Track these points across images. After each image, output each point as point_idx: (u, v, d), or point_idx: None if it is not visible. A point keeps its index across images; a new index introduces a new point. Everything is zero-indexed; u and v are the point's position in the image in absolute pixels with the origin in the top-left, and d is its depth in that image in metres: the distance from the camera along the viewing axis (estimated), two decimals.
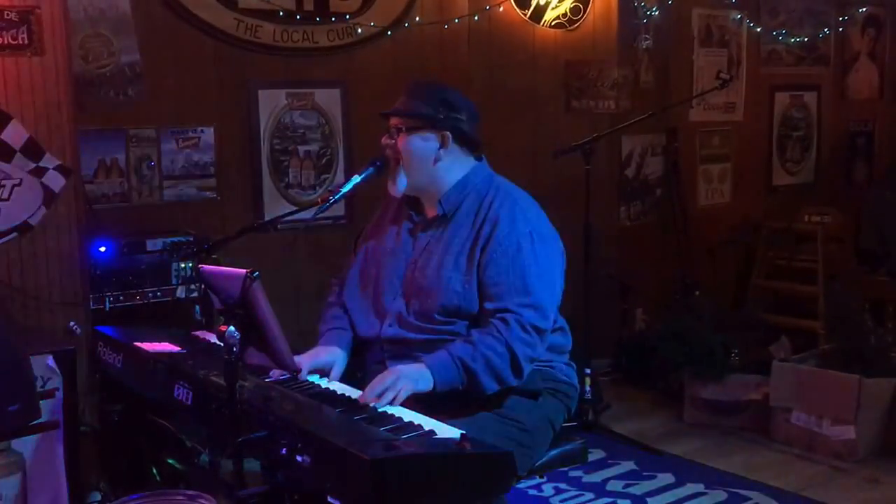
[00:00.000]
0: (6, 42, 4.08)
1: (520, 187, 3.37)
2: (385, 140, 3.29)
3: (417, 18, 5.79)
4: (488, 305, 3.10)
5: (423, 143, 3.24)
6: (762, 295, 7.08)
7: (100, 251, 4.53)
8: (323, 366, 3.19)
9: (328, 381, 3.12)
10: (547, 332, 3.13)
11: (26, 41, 4.12)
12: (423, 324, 3.17)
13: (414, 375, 2.93)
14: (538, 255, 3.13)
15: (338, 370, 3.22)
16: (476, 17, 6.01)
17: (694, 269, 6.97)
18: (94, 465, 4.07)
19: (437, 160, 3.25)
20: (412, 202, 3.41)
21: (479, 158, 3.36)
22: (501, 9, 6.13)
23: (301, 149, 5.56)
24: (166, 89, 5.10)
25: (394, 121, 3.29)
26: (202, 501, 2.82)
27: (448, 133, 3.24)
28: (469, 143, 3.32)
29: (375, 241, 3.45)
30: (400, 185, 3.28)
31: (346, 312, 3.44)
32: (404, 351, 3.18)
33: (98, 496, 4.03)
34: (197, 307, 4.60)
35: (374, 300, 3.33)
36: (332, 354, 3.26)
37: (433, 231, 3.30)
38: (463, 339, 3.05)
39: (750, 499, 4.67)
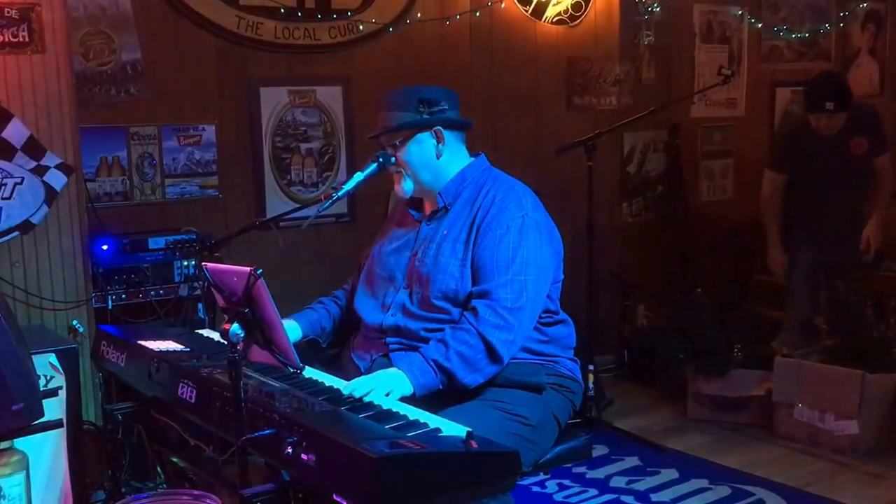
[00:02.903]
0: (7, 40, 4.08)
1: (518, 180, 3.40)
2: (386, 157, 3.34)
3: (419, 15, 5.79)
4: (472, 288, 3.14)
5: (419, 147, 3.30)
6: (764, 290, 7.08)
7: (102, 249, 4.54)
8: None
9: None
10: (524, 309, 3.09)
11: (27, 39, 4.12)
12: (425, 312, 3.20)
13: (394, 381, 2.94)
14: (525, 237, 3.14)
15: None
16: (477, 14, 6.01)
17: (696, 265, 6.97)
18: (98, 464, 4.06)
19: (439, 155, 3.30)
20: (415, 202, 3.45)
21: (476, 155, 3.40)
22: (503, 5, 6.13)
23: (303, 146, 5.56)
24: (168, 87, 5.10)
25: (384, 138, 3.33)
26: (207, 501, 2.81)
27: (439, 127, 3.28)
28: (461, 127, 3.38)
29: (381, 244, 3.49)
30: (406, 188, 3.33)
31: (336, 303, 3.60)
32: (405, 341, 3.22)
33: (102, 495, 4.03)
34: (200, 305, 4.60)
35: (380, 297, 3.35)
36: (286, 327, 3.29)
37: (434, 223, 3.34)
38: (436, 339, 3.06)
39: (753, 494, 4.67)
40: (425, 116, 3.27)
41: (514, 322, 3.06)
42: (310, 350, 3.48)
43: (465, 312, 3.10)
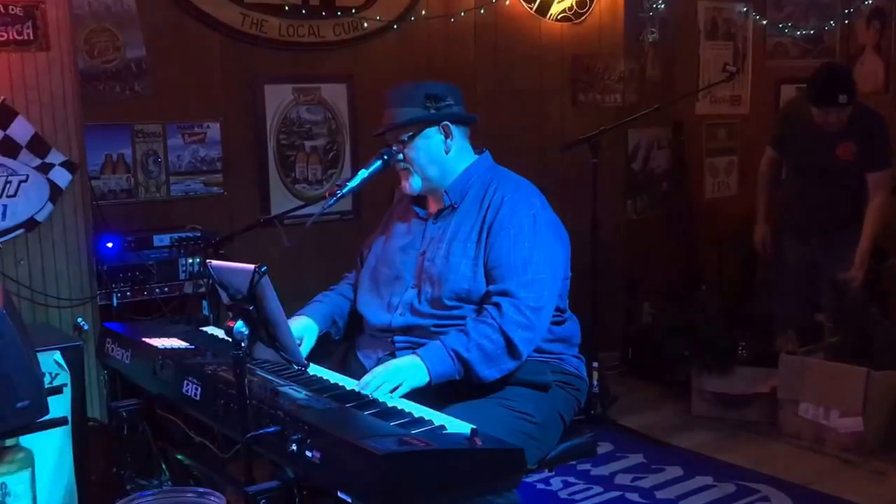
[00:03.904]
0: (11, 37, 4.08)
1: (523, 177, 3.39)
2: (393, 154, 3.31)
3: (423, 12, 5.80)
4: (490, 288, 3.13)
5: (428, 143, 3.28)
6: (769, 287, 7.06)
7: (107, 247, 4.54)
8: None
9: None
10: (544, 309, 3.11)
11: (31, 36, 4.12)
12: (434, 310, 3.20)
13: (409, 370, 2.95)
14: (539, 236, 3.15)
15: (307, 343, 3.32)
16: (482, 11, 6.01)
17: (700, 262, 6.97)
18: (103, 462, 4.06)
19: (447, 150, 3.29)
20: (419, 199, 3.44)
21: (480, 151, 3.39)
22: (507, 2, 6.13)
23: (308, 144, 5.56)
24: (172, 84, 5.10)
25: (391, 135, 3.32)
26: (211, 499, 2.81)
27: (447, 122, 3.27)
28: (466, 122, 3.36)
29: (385, 241, 3.48)
30: (415, 185, 3.31)
31: (341, 295, 3.58)
32: (415, 339, 3.21)
33: (108, 492, 4.03)
34: (205, 302, 4.60)
35: (386, 296, 3.34)
36: (303, 324, 3.36)
37: (441, 222, 3.33)
38: (457, 330, 3.06)
39: (758, 491, 4.66)
40: (432, 112, 3.25)
41: (536, 322, 3.07)
42: (322, 346, 3.47)
43: (486, 307, 3.09)
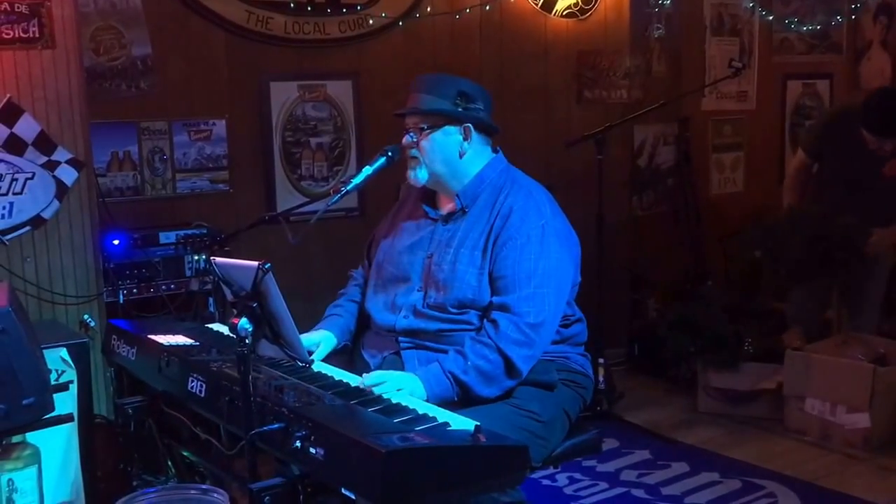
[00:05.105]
0: (17, 35, 4.08)
1: (534, 179, 3.37)
2: (406, 141, 3.28)
3: (428, 9, 5.78)
4: (493, 299, 3.12)
5: (445, 139, 3.24)
6: (774, 283, 7.05)
7: (113, 244, 4.55)
8: (308, 346, 3.27)
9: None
10: (544, 324, 3.09)
11: (37, 34, 4.12)
12: (439, 313, 3.19)
13: (410, 382, 2.95)
14: (546, 249, 3.12)
15: (322, 350, 3.32)
16: (487, 7, 6.00)
17: (706, 258, 6.96)
18: (110, 458, 4.08)
19: (462, 154, 3.26)
20: (428, 197, 3.41)
21: (495, 151, 3.36)
22: None
23: (313, 141, 5.56)
24: (178, 82, 5.11)
25: (412, 120, 3.28)
26: (214, 496, 2.82)
27: (470, 125, 3.24)
28: (488, 131, 3.32)
29: (392, 239, 3.46)
30: (420, 177, 3.28)
31: (352, 301, 3.55)
32: (418, 341, 3.22)
33: (114, 488, 4.04)
34: (210, 299, 4.61)
35: (391, 295, 3.34)
36: (321, 336, 3.37)
37: (451, 225, 3.31)
38: (455, 351, 3.05)
39: (764, 488, 4.66)
40: (460, 110, 3.22)
41: (535, 338, 3.06)
42: (337, 353, 3.48)
43: (485, 323, 3.09)
